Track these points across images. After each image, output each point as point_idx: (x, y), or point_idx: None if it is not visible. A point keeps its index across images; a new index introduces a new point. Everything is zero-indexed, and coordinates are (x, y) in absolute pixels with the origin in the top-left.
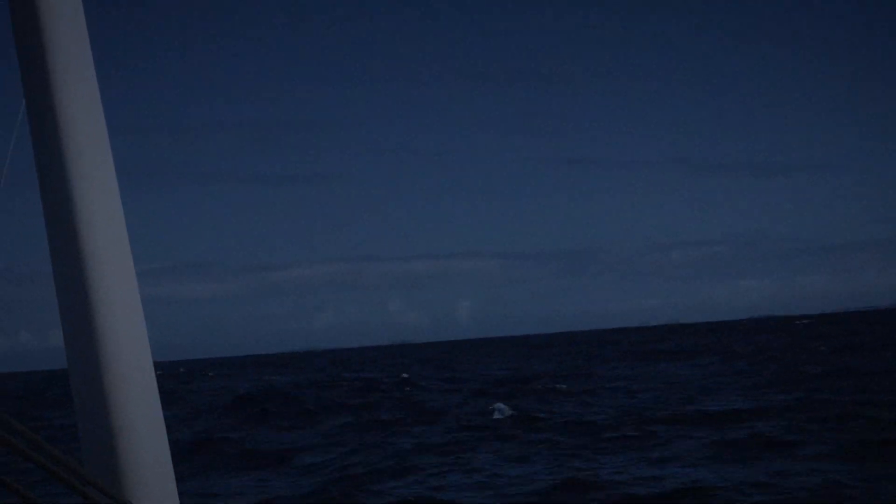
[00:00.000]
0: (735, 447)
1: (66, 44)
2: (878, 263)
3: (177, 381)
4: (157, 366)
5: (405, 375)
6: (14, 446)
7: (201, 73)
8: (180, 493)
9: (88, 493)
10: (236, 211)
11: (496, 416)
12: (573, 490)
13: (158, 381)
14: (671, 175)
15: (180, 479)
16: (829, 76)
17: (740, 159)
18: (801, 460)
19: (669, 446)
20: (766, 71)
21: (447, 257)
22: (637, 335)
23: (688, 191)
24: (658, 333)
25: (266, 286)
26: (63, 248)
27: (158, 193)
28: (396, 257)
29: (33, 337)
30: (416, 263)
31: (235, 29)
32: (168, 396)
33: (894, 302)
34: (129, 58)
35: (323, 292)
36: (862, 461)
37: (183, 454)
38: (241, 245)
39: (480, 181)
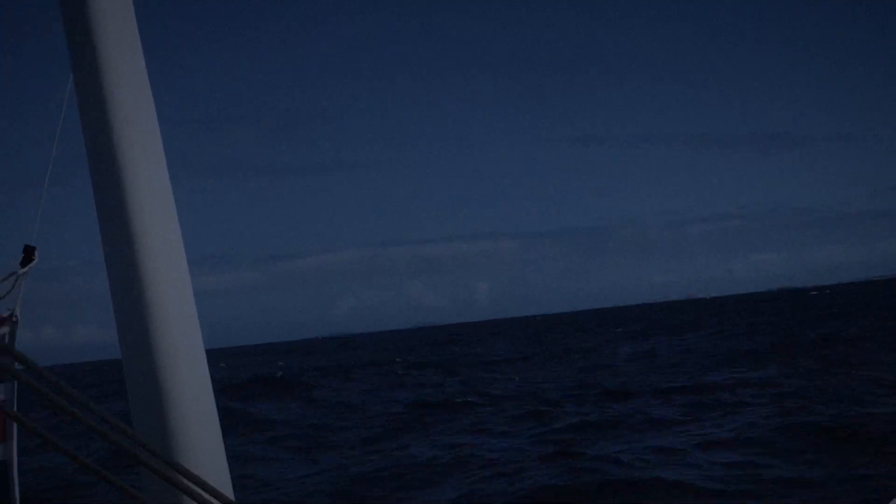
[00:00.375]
0: (631, 421)
1: (115, 34)
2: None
3: None
4: None
5: (398, 359)
6: (65, 409)
7: (218, 67)
8: None
9: (138, 454)
10: (253, 202)
11: (442, 397)
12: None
13: None
14: (685, 150)
15: None
16: (843, 46)
17: (753, 132)
18: (690, 438)
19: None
20: (778, 43)
21: (465, 239)
22: (639, 312)
23: (702, 165)
24: (672, 309)
25: (286, 275)
26: (115, 236)
27: (175, 186)
28: (415, 241)
29: (57, 332)
30: (435, 247)
31: (251, 22)
32: None
33: None
34: (146, 51)
35: (343, 279)
36: (749, 447)
37: None
38: (259, 236)
39: (495, 164)
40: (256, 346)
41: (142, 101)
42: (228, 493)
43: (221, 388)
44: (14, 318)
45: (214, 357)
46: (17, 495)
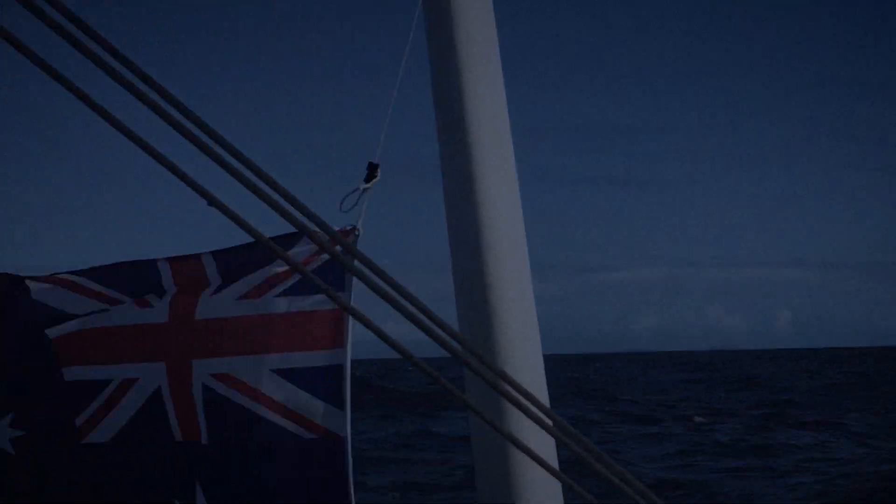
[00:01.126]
0: None
1: (474, 37)
2: None
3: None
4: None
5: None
6: (405, 312)
7: (533, 72)
8: None
9: (468, 360)
10: (561, 212)
11: None
12: None
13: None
14: None
15: None
16: None
17: None
18: None
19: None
20: None
21: (768, 265)
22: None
23: None
24: None
25: (589, 287)
26: (463, 241)
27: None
28: (717, 264)
29: (360, 329)
30: (737, 270)
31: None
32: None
33: None
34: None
35: (644, 295)
36: None
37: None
38: (566, 246)
39: (803, 190)
40: (552, 356)
41: (496, 101)
42: (545, 402)
43: None
44: (357, 232)
45: None
46: (349, 401)
